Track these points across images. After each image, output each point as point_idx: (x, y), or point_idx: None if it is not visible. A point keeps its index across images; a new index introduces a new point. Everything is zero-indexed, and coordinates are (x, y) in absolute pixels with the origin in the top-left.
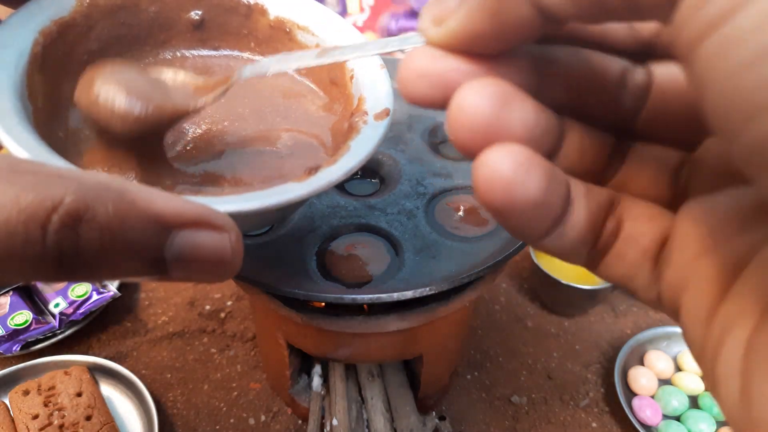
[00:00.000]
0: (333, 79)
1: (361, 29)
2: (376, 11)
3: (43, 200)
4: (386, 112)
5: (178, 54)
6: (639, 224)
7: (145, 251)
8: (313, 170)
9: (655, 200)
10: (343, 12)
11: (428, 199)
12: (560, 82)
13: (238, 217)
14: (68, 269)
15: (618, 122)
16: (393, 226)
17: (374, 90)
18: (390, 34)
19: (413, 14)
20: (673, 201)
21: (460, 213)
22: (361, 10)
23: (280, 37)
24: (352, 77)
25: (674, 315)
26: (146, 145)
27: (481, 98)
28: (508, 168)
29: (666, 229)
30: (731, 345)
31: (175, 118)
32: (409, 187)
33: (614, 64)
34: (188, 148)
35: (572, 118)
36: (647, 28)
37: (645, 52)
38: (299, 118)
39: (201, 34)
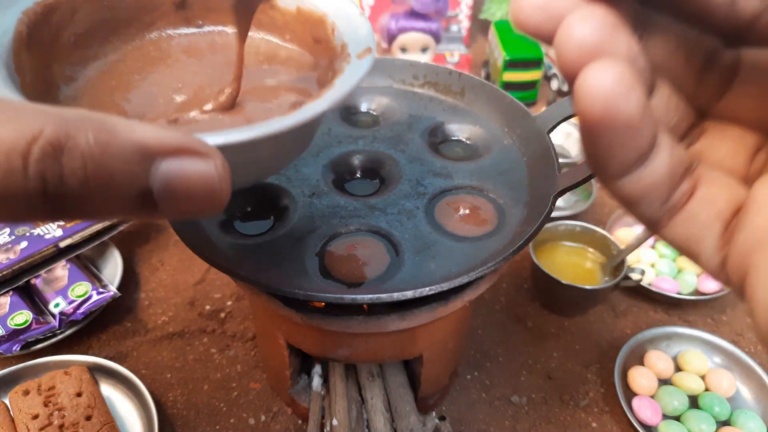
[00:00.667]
0: (316, 38)
1: None
2: (376, 11)
3: (23, 131)
4: (368, 50)
5: (164, 34)
6: (715, 188)
7: (129, 180)
8: (298, 105)
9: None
10: None
11: (428, 199)
12: (655, 44)
13: (225, 155)
14: (54, 203)
15: (699, 98)
16: (393, 226)
17: (355, 35)
18: (390, 34)
19: (413, 14)
20: (746, 179)
21: (460, 213)
22: (361, 10)
23: (260, 5)
24: (333, 30)
25: (738, 281)
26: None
27: (591, 22)
28: (612, 80)
29: (740, 198)
30: None
31: None
32: (409, 187)
33: (706, 41)
34: (177, 110)
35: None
36: (750, 7)
37: (739, 36)
38: (285, 77)
39: (185, 13)
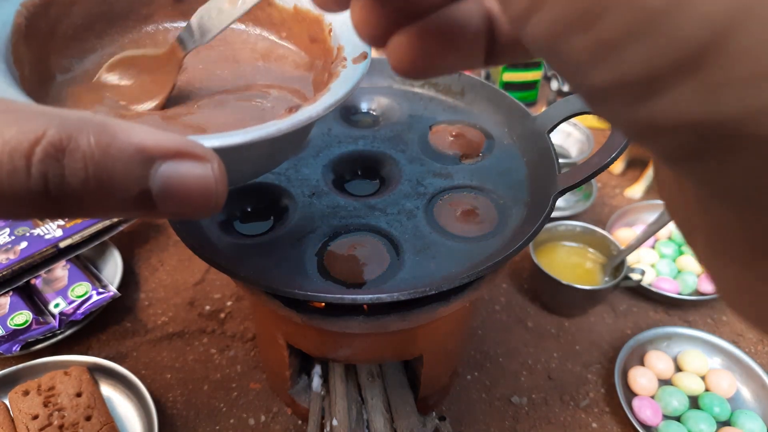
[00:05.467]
0: (312, 37)
1: None
2: None
3: (26, 133)
4: (364, 55)
5: (161, 27)
6: None
7: (129, 181)
8: (294, 109)
9: None
10: None
11: (428, 199)
12: None
13: (221, 156)
14: (56, 201)
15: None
16: (393, 226)
17: (352, 38)
18: None
19: None
20: None
21: (460, 213)
22: None
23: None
24: (330, 31)
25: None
26: None
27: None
28: None
29: None
30: None
31: None
32: (409, 187)
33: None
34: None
35: None
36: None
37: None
38: (280, 77)
39: (182, 7)
